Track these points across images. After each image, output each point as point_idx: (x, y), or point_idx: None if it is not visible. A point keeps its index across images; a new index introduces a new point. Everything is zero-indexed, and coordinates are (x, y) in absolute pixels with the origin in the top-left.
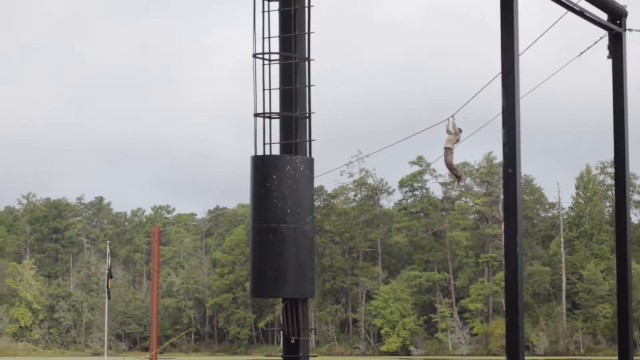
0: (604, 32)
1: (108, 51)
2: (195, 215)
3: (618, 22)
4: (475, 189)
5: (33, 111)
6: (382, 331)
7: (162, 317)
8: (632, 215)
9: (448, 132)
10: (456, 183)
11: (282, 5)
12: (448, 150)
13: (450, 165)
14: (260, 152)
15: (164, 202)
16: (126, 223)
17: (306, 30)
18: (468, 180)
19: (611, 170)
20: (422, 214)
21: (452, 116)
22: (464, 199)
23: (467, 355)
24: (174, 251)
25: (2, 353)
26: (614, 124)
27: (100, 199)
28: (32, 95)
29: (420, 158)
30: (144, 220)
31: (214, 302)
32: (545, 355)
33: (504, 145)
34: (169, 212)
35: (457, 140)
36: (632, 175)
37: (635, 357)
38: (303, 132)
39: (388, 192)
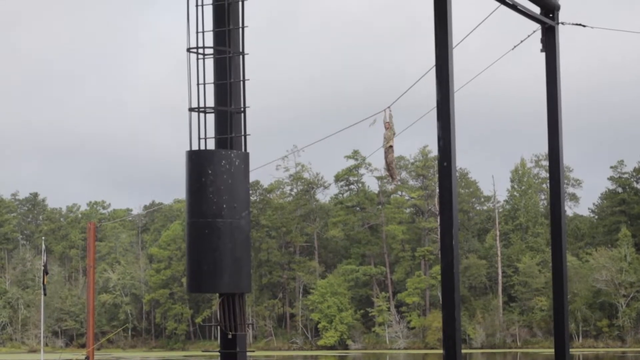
0: (537, 26)
1: (44, 43)
2: (131, 210)
3: (551, 15)
4: (411, 182)
5: None
6: (319, 325)
7: (99, 313)
8: (567, 208)
9: (385, 126)
10: (390, 180)
11: None
12: (390, 149)
13: (389, 164)
14: (195, 147)
15: (99, 198)
16: (61, 219)
17: (240, 25)
18: (404, 174)
19: (546, 163)
20: (358, 208)
21: (389, 108)
22: (399, 192)
23: (405, 349)
24: (110, 247)
25: None
26: (548, 117)
27: (35, 194)
28: None
29: (355, 152)
30: (80, 216)
31: (151, 297)
32: (482, 348)
33: (439, 139)
34: (104, 208)
35: (394, 133)
36: (567, 168)
37: (571, 350)
38: (238, 127)
39: (324, 186)
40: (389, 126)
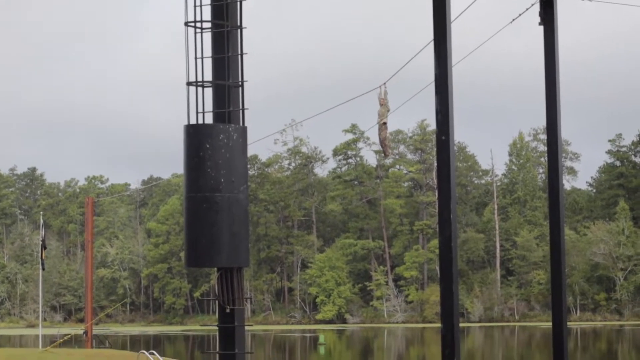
0: None
1: (42, 18)
2: (129, 185)
3: None
4: (409, 156)
5: None
6: (317, 300)
7: (97, 288)
8: (565, 182)
9: (380, 102)
10: (384, 156)
11: None
12: (383, 126)
13: (383, 141)
14: (193, 121)
15: (97, 173)
16: (59, 194)
17: None
18: (402, 148)
19: (544, 136)
20: (356, 182)
21: (384, 84)
22: (397, 166)
23: (403, 322)
24: (108, 222)
25: None
26: (546, 91)
27: (33, 169)
28: None
29: (354, 126)
30: (78, 190)
31: (149, 272)
32: (480, 321)
33: (437, 112)
34: (102, 183)
35: (388, 110)
36: (565, 142)
37: (568, 323)
38: (236, 101)
39: (322, 160)
40: (383, 102)
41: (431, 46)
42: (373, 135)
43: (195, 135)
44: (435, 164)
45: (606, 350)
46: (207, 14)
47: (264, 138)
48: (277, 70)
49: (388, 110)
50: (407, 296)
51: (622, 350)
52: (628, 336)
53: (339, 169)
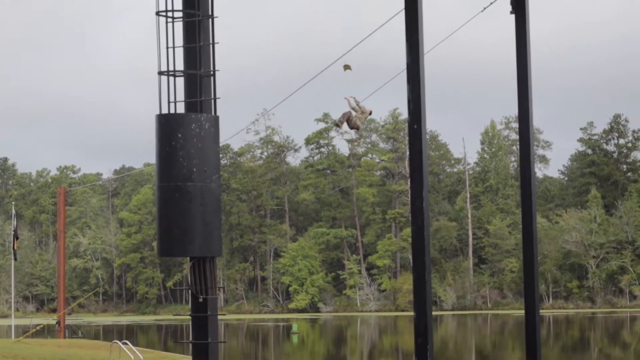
0: None
1: (14, 7)
2: (101, 175)
3: None
4: (381, 145)
5: None
6: (290, 288)
7: (70, 277)
8: (536, 170)
9: (354, 109)
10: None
11: None
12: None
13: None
14: (165, 111)
15: (69, 163)
16: (31, 184)
17: None
18: (374, 137)
19: (516, 125)
20: (328, 171)
21: (352, 96)
22: (370, 155)
23: (376, 311)
24: (81, 211)
25: None
26: (518, 79)
27: (5, 159)
28: None
29: (326, 115)
30: (50, 180)
31: (122, 262)
32: (453, 310)
33: (409, 101)
34: (74, 173)
35: (366, 118)
36: (537, 130)
37: (541, 311)
38: (208, 90)
39: (294, 149)
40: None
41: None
42: (345, 125)
43: (167, 124)
44: (408, 153)
45: (578, 337)
46: (178, 3)
47: (237, 134)
48: (249, 60)
49: (366, 118)
50: (380, 285)
51: (595, 337)
52: (600, 324)
53: (311, 158)
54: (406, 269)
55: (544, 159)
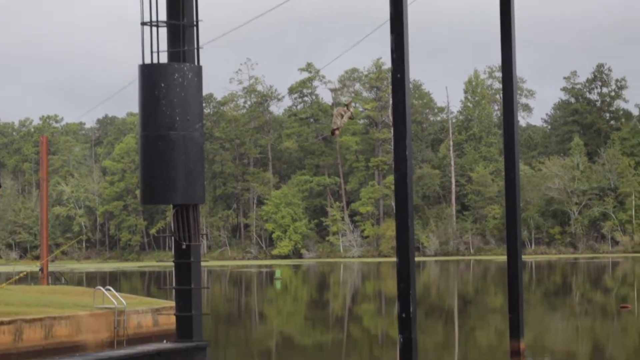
0: None
1: None
2: (84, 124)
3: None
4: (365, 94)
5: None
6: (273, 235)
7: (53, 225)
8: (519, 118)
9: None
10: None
11: None
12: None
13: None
14: (148, 61)
15: (52, 112)
16: (14, 133)
17: None
18: (358, 86)
19: (499, 74)
20: (311, 120)
21: (353, 103)
22: (353, 104)
23: (359, 257)
24: (64, 160)
25: None
26: (501, 28)
27: None
28: None
29: (309, 65)
30: (32, 130)
31: (105, 209)
32: (435, 255)
33: (392, 51)
34: (57, 122)
35: (351, 118)
36: (520, 79)
37: (523, 256)
38: (191, 40)
39: (278, 98)
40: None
41: None
42: (328, 74)
43: (150, 74)
44: (391, 102)
45: (561, 282)
46: None
47: (224, 85)
48: (232, 9)
49: (351, 118)
50: (363, 231)
51: (577, 282)
52: (582, 269)
53: (294, 107)
54: (389, 216)
55: (527, 108)
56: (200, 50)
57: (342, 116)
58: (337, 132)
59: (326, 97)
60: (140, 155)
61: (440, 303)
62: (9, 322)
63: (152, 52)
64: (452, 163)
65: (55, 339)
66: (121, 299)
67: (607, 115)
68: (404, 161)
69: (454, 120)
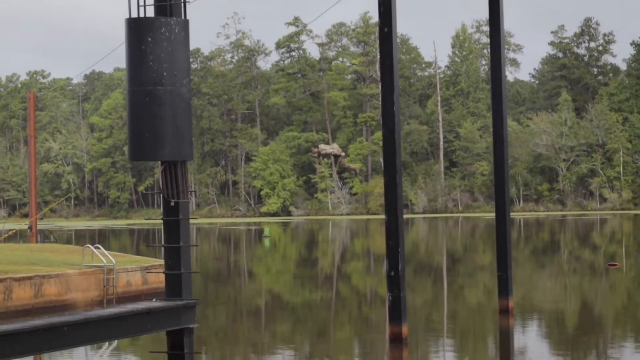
0: None
1: None
2: (71, 80)
3: None
4: (352, 49)
5: None
6: (262, 192)
7: (41, 183)
8: (507, 73)
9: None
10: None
11: None
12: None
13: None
14: (134, 15)
15: (39, 67)
16: (1, 89)
17: None
18: (345, 40)
19: (487, 28)
20: (299, 75)
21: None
22: (340, 59)
23: (347, 214)
24: (51, 116)
25: None
26: None
27: None
28: None
29: (296, 19)
30: (19, 85)
31: (93, 166)
32: (424, 212)
33: (380, 4)
34: (44, 77)
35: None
36: (507, 34)
37: (511, 213)
38: None
39: (265, 53)
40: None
41: None
42: (316, 28)
43: (136, 28)
44: (378, 56)
45: (549, 240)
46: None
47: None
48: None
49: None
50: (351, 188)
51: (565, 239)
52: (570, 226)
53: (282, 62)
54: (377, 173)
55: (514, 63)
56: (187, 4)
57: (334, 155)
58: (315, 150)
59: (314, 52)
60: (127, 111)
61: (428, 261)
62: None
63: (138, 6)
64: (440, 119)
65: (44, 297)
66: (110, 257)
67: (595, 70)
68: (391, 116)
69: (441, 76)
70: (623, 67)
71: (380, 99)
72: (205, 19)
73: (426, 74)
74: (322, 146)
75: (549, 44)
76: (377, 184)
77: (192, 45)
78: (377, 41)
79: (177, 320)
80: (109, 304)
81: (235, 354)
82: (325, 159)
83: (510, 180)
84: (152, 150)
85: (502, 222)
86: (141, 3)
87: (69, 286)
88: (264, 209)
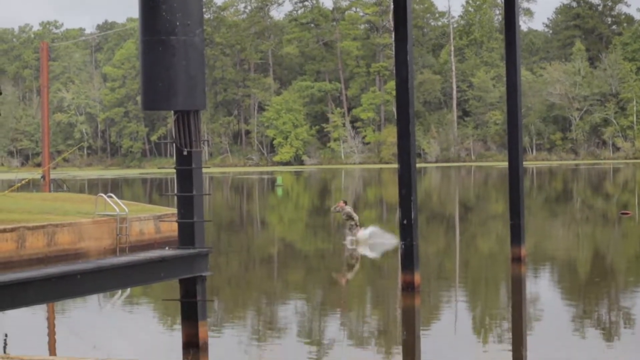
0: None
1: None
2: (84, 30)
3: None
4: None
5: None
6: (274, 142)
7: (54, 132)
8: (521, 23)
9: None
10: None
11: None
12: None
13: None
14: None
15: (51, 18)
16: (14, 39)
17: None
18: None
19: None
20: (312, 25)
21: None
22: (354, 9)
23: (360, 163)
24: (64, 67)
25: None
26: None
27: None
28: None
29: None
30: (32, 36)
31: (106, 116)
32: (437, 162)
33: None
34: (57, 28)
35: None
36: None
37: (524, 162)
38: None
39: (278, 3)
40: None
41: None
42: None
43: None
44: (392, 6)
45: (562, 189)
46: None
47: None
48: None
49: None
50: (364, 137)
51: (577, 188)
52: (583, 175)
53: (295, 12)
54: (390, 122)
55: (528, 12)
56: None
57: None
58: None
59: (327, 1)
60: (140, 61)
61: (441, 209)
62: (12, 230)
63: None
64: (453, 68)
65: (57, 246)
66: (123, 206)
67: (609, 19)
68: (405, 66)
69: (455, 25)
70: (637, 16)
71: (393, 48)
72: None
73: (439, 23)
74: (341, 204)
75: None
76: (390, 133)
77: None
78: None
79: (189, 268)
80: (122, 252)
81: (248, 302)
82: (339, 108)
83: (524, 130)
84: (165, 100)
85: (514, 170)
86: None
87: (82, 235)
88: (276, 158)
